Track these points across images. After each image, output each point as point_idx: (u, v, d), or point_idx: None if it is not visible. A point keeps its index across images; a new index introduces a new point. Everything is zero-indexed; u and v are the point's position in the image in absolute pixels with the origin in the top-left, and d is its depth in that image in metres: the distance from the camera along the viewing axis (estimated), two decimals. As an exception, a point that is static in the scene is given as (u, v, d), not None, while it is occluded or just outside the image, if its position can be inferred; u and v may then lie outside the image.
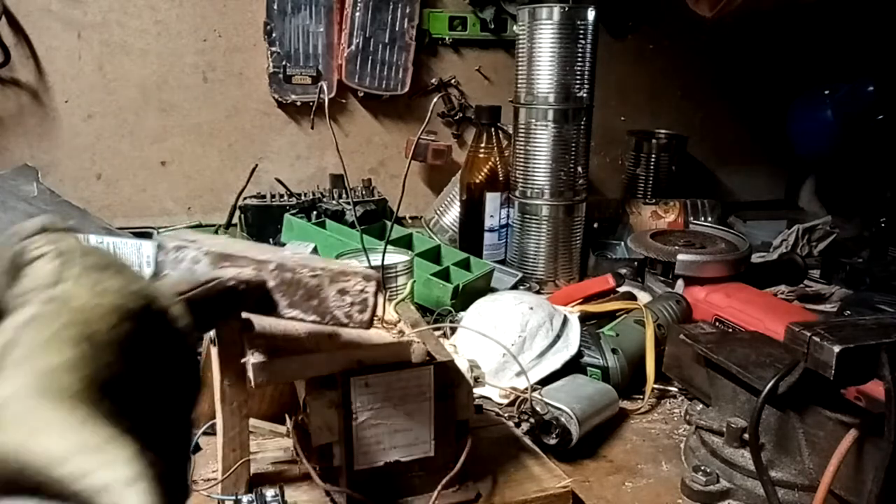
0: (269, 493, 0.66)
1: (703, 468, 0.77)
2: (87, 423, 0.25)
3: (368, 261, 1.05)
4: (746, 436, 0.75)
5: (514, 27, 1.46)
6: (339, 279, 0.56)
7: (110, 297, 0.32)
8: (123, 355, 0.30)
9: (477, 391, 0.92)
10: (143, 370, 0.31)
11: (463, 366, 0.91)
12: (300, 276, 0.55)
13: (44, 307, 0.30)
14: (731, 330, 1.08)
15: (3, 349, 0.28)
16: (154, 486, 0.24)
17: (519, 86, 1.38)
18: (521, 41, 1.37)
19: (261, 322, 0.66)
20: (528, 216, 1.41)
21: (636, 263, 1.36)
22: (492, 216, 1.44)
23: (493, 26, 1.69)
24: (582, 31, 1.32)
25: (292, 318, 0.56)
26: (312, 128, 1.65)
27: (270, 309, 0.56)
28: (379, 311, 0.60)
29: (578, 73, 1.33)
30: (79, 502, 0.23)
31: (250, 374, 0.59)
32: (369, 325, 0.57)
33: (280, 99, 1.62)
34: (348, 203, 1.47)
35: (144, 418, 0.29)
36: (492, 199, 1.44)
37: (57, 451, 0.23)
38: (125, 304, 0.32)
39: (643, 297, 1.22)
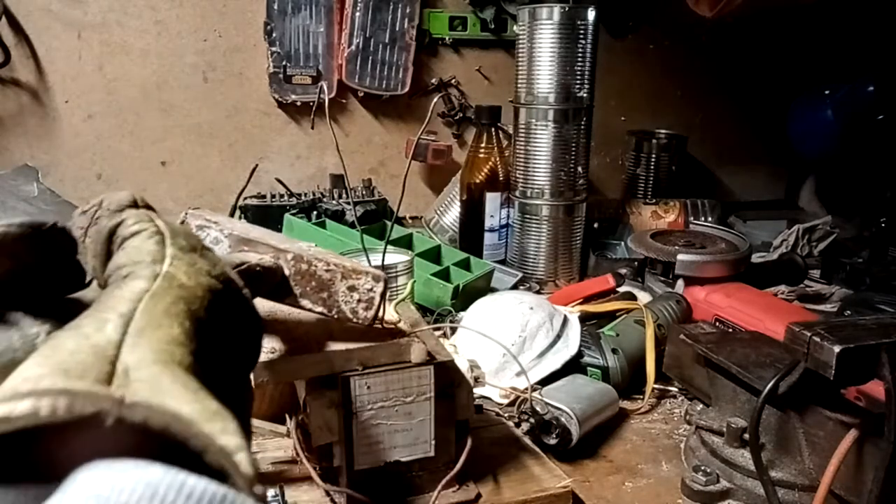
0: (270, 493, 0.66)
1: (703, 468, 0.77)
2: (200, 392, 0.26)
3: (368, 261, 1.05)
4: (746, 436, 0.75)
5: (514, 27, 1.46)
6: (350, 276, 0.59)
7: (203, 278, 0.34)
8: (213, 332, 0.32)
9: (477, 391, 0.92)
10: (224, 345, 0.34)
11: (463, 366, 0.91)
12: (315, 268, 0.58)
13: (153, 283, 0.32)
14: (731, 330, 1.08)
15: (123, 319, 0.29)
16: (250, 455, 0.26)
17: (519, 86, 1.38)
18: (521, 41, 1.37)
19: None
20: (528, 216, 1.41)
21: (636, 263, 1.36)
22: (492, 216, 1.45)
23: (493, 26, 1.69)
24: (582, 31, 1.31)
25: (300, 308, 0.59)
26: (312, 128, 1.65)
27: (284, 296, 0.58)
28: (381, 312, 0.61)
29: (578, 73, 1.33)
30: (213, 462, 0.24)
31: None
32: (372, 322, 0.60)
33: (280, 99, 1.62)
34: (348, 203, 1.47)
35: (223, 390, 0.31)
36: (492, 199, 1.44)
37: (189, 415, 0.25)
38: (214, 285, 0.35)
39: (643, 297, 1.22)
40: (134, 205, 0.39)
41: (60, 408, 0.23)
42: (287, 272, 0.58)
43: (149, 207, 0.40)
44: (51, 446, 0.25)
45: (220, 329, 0.34)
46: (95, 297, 0.35)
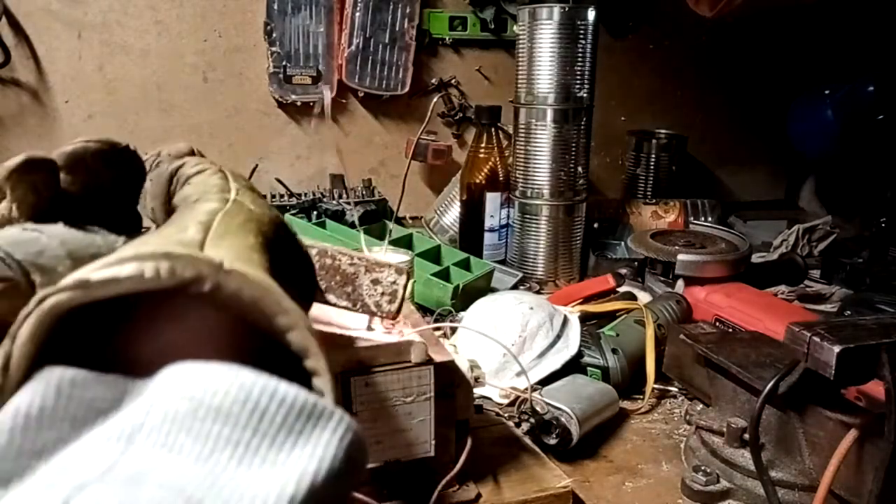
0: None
1: (703, 468, 0.77)
2: (280, 289, 0.27)
3: (368, 261, 1.05)
4: (746, 436, 0.75)
5: (514, 27, 1.46)
6: (374, 269, 0.59)
7: (266, 210, 0.37)
8: (278, 255, 0.34)
9: (477, 391, 0.92)
10: (285, 270, 0.35)
11: (463, 366, 0.91)
12: (339, 262, 0.59)
13: (226, 204, 0.34)
14: (731, 330, 1.08)
15: (203, 226, 0.31)
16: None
17: (519, 86, 1.38)
18: (521, 41, 1.37)
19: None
20: (528, 216, 1.41)
21: (636, 263, 1.36)
22: (492, 216, 1.45)
23: (493, 26, 1.69)
24: (582, 31, 1.31)
25: (326, 302, 0.59)
26: (313, 128, 1.65)
27: (312, 289, 0.59)
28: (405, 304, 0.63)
29: (578, 73, 1.33)
30: (297, 342, 0.25)
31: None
32: (396, 315, 0.61)
33: (280, 99, 1.62)
34: (348, 203, 1.47)
35: None
36: (492, 199, 1.44)
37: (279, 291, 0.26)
38: (276, 217, 0.37)
39: (643, 297, 1.22)
40: (192, 153, 0.41)
41: (163, 269, 0.23)
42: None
43: (204, 156, 0.42)
44: (138, 338, 0.25)
45: (284, 256, 0.36)
46: None
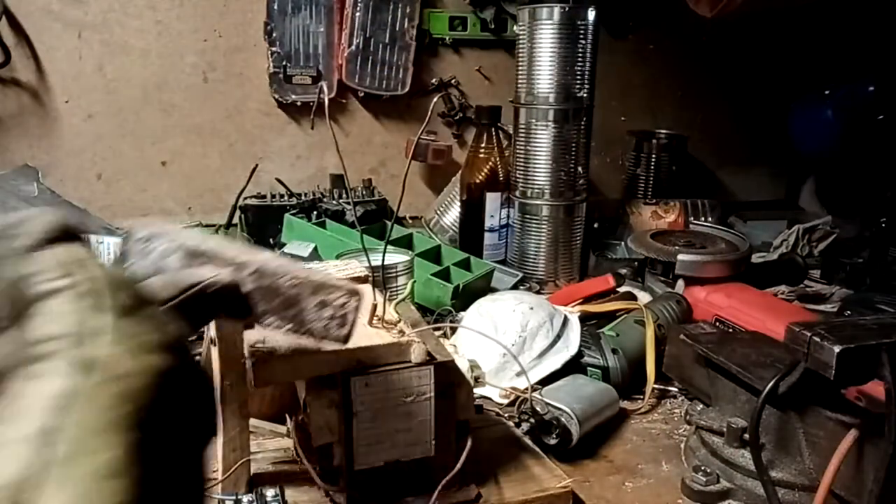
0: (269, 493, 0.66)
1: (703, 468, 0.77)
2: None
3: (369, 261, 1.05)
4: (747, 436, 0.75)
5: (514, 27, 1.46)
6: (320, 291, 0.53)
7: (149, 357, 0.26)
8: (159, 420, 0.25)
9: (477, 391, 0.92)
10: (172, 430, 0.26)
11: (463, 366, 0.91)
12: (279, 283, 0.51)
13: (82, 378, 0.24)
14: (731, 330, 1.08)
15: (44, 439, 0.22)
16: None
17: (519, 86, 1.38)
18: (521, 41, 1.37)
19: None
20: (528, 216, 1.41)
21: (636, 263, 1.36)
22: (492, 216, 1.44)
23: (493, 26, 1.69)
24: (582, 31, 1.32)
25: (268, 326, 0.53)
26: (312, 128, 1.65)
27: (245, 315, 0.52)
28: (363, 321, 0.59)
29: (578, 73, 1.33)
30: None
31: (250, 374, 0.59)
32: (346, 341, 0.55)
33: (280, 99, 1.62)
34: (348, 203, 1.47)
35: (171, 484, 0.25)
36: (492, 199, 1.44)
37: None
38: (161, 365, 0.26)
39: (643, 297, 1.22)
40: (61, 236, 0.28)
41: None
42: (248, 287, 0.50)
43: (76, 237, 0.28)
44: None
45: (169, 413, 0.26)
46: None
